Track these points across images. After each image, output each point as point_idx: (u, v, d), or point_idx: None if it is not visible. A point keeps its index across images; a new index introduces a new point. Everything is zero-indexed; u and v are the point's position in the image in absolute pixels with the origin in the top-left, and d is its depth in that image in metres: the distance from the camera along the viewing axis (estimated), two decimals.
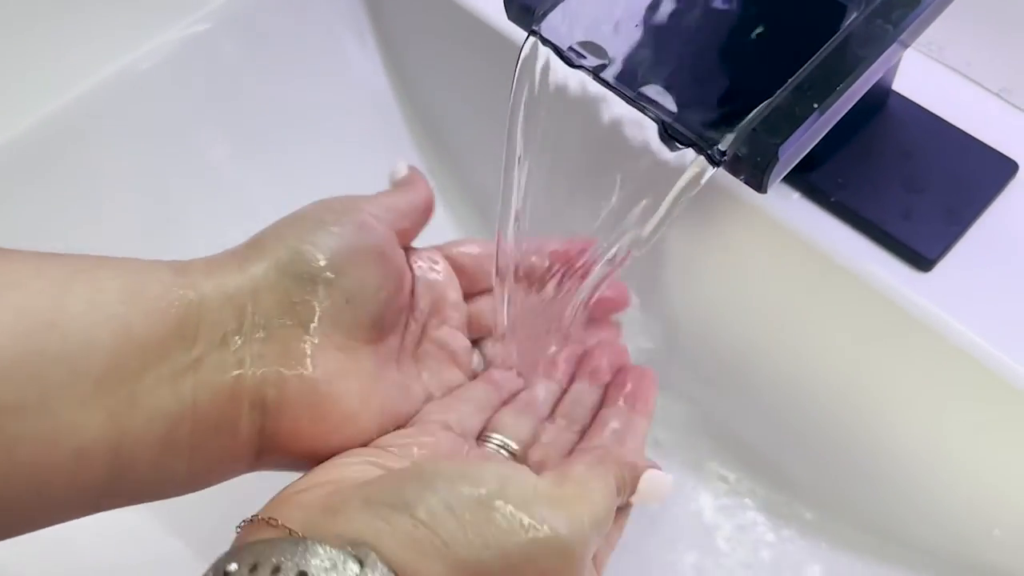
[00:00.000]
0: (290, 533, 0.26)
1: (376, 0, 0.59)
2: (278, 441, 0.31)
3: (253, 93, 0.57)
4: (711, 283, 0.49)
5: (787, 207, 0.42)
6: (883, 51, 0.28)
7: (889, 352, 0.42)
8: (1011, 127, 0.44)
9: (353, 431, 0.32)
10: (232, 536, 0.29)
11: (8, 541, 0.39)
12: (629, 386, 0.40)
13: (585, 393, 0.41)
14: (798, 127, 0.27)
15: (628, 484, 0.32)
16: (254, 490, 0.32)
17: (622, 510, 0.34)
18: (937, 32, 0.46)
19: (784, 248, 0.43)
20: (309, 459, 0.31)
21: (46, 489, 0.26)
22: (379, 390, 0.33)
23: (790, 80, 0.28)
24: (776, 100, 0.27)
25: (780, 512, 0.50)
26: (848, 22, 0.28)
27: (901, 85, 0.44)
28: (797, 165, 0.38)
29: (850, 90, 0.28)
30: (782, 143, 0.27)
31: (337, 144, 0.60)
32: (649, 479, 0.32)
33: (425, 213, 0.40)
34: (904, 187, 0.41)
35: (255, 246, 0.33)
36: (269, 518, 0.27)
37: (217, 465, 0.30)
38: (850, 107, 0.30)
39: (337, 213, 0.34)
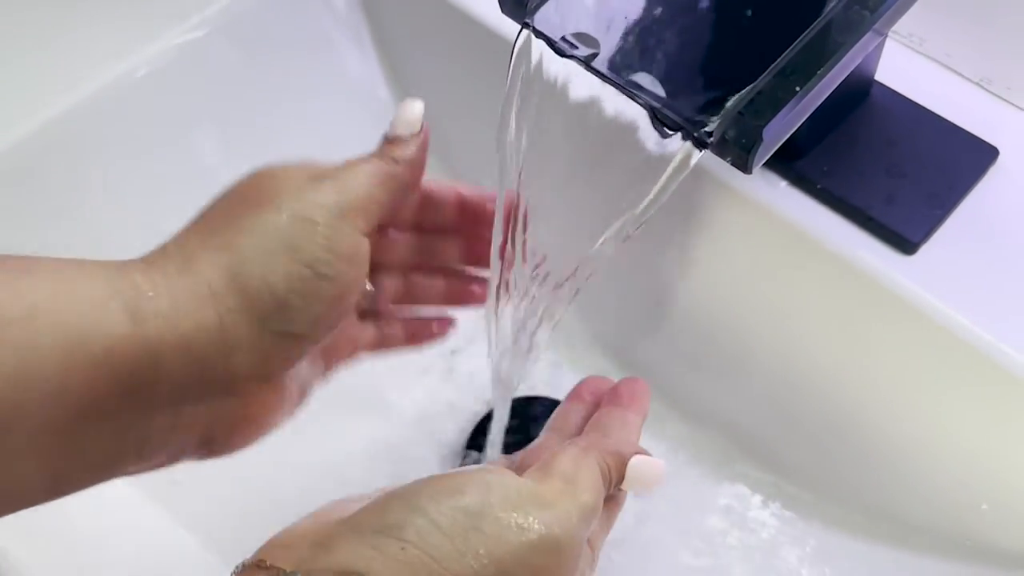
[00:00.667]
0: (283, 572, 0.26)
1: (373, 4, 0.61)
2: (213, 452, 0.31)
3: (250, 97, 0.58)
4: (703, 269, 0.50)
5: (775, 195, 0.44)
6: (861, 36, 0.29)
7: (876, 333, 0.43)
8: (991, 115, 0.46)
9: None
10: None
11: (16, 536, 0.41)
12: (621, 392, 0.38)
13: (574, 411, 0.40)
14: (781, 109, 0.28)
15: (615, 472, 0.31)
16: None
17: (613, 498, 0.33)
18: (918, 24, 0.47)
19: (773, 234, 0.44)
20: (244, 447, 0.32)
21: None
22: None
23: (773, 65, 0.29)
24: (760, 84, 0.29)
25: (774, 493, 0.51)
26: (828, 8, 0.30)
27: (884, 76, 0.46)
28: (784, 154, 0.40)
29: (830, 74, 0.29)
30: (766, 125, 0.28)
31: (335, 146, 0.61)
32: (637, 465, 0.31)
33: (409, 189, 0.34)
34: (888, 174, 0.43)
35: (229, 278, 0.28)
36: (259, 561, 0.27)
37: (150, 471, 0.30)
38: (831, 91, 0.31)
39: (303, 245, 0.29)
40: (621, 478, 0.31)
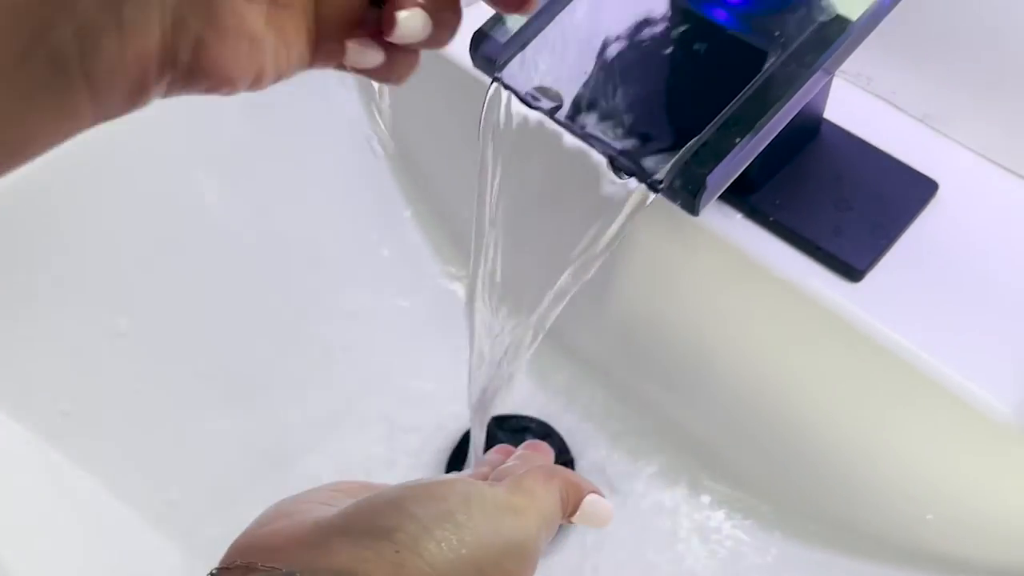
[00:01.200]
0: (281, 573, 0.27)
1: None
2: (193, 81, 0.25)
3: (238, 132, 0.60)
4: (668, 293, 0.53)
5: (731, 226, 0.47)
6: (797, 91, 0.32)
7: (826, 355, 0.46)
8: (932, 150, 0.49)
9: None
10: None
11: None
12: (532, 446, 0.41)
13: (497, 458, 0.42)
14: (723, 159, 0.31)
15: (571, 501, 0.34)
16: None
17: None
18: (865, 64, 0.51)
19: (730, 263, 0.47)
20: (229, 86, 0.26)
21: None
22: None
23: (717, 118, 0.32)
24: (705, 136, 0.32)
25: (738, 506, 0.54)
26: (768, 65, 0.33)
27: (834, 113, 0.49)
28: (740, 188, 0.43)
29: (768, 125, 0.32)
30: (709, 173, 0.31)
31: (317, 174, 0.64)
32: (592, 502, 0.34)
33: None
34: (836, 206, 0.46)
35: None
36: (248, 563, 0.28)
37: (127, 111, 0.24)
38: (775, 135, 0.34)
39: None
40: (575, 509, 0.34)
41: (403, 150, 0.64)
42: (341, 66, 0.28)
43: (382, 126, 0.47)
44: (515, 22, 0.36)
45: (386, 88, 0.48)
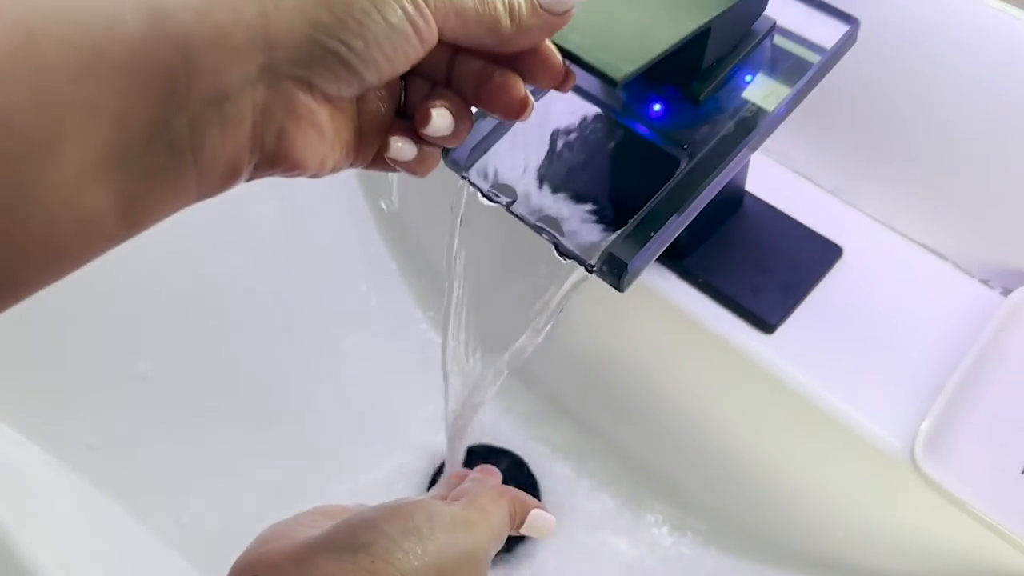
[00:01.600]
0: None
1: None
2: (275, 164, 0.29)
3: (252, 202, 0.67)
4: (619, 341, 0.62)
5: (668, 286, 0.55)
6: (701, 193, 0.40)
7: (747, 395, 0.55)
8: (839, 219, 0.57)
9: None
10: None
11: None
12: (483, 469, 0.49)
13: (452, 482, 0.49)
14: (640, 249, 0.39)
15: (518, 515, 0.41)
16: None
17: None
18: (784, 143, 0.59)
19: (668, 317, 0.55)
20: (301, 170, 0.30)
21: (57, 255, 0.25)
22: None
23: (637, 215, 0.40)
24: (628, 229, 0.40)
25: (680, 524, 0.62)
26: (679, 171, 0.41)
27: (755, 186, 0.57)
28: (674, 254, 0.51)
29: (679, 220, 0.40)
30: (630, 261, 0.39)
31: (320, 242, 0.72)
32: (535, 516, 0.41)
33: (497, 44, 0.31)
34: (754, 269, 0.54)
35: None
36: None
37: (224, 189, 0.29)
38: (690, 220, 0.42)
39: None
40: (522, 522, 0.41)
41: (390, 215, 0.73)
42: (372, 165, 0.34)
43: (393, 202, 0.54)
44: (478, 133, 0.44)
45: (395, 184, 0.55)
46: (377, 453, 0.68)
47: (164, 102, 0.25)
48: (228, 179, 0.28)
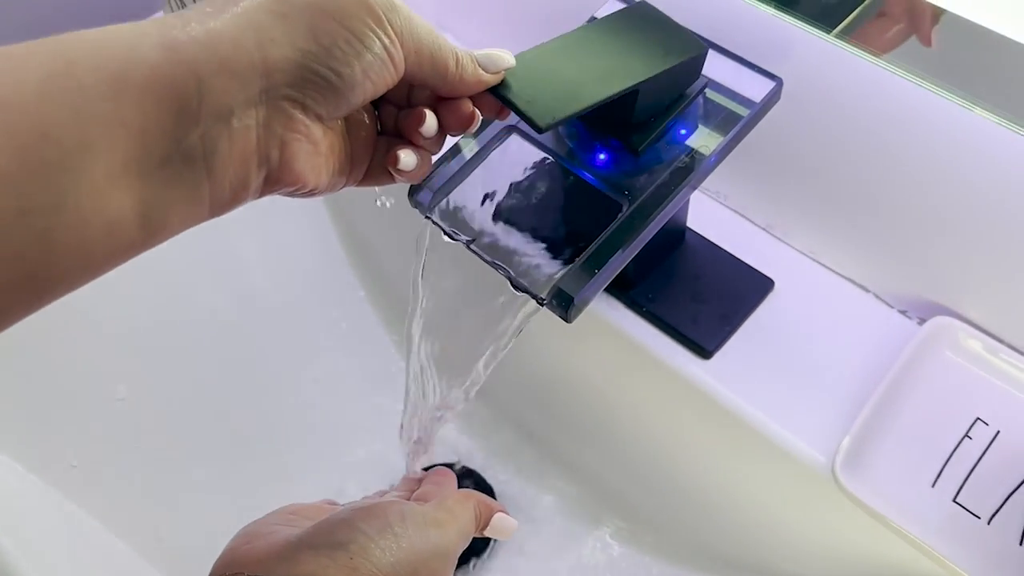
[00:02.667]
0: None
1: None
2: (279, 179, 0.33)
3: (226, 235, 0.71)
4: (576, 364, 0.66)
5: (616, 315, 0.60)
6: (640, 234, 0.45)
7: (688, 416, 0.59)
8: (771, 253, 0.62)
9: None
10: None
11: None
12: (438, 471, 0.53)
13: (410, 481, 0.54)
14: (585, 284, 0.44)
15: (483, 517, 0.45)
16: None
17: None
18: (721, 184, 0.64)
19: (617, 343, 0.60)
20: (303, 184, 0.34)
21: (86, 258, 0.28)
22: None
23: (583, 254, 0.45)
24: (574, 267, 0.45)
25: (628, 536, 0.66)
26: (620, 215, 0.46)
27: (695, 223, 0.62)
28: (622, 285, 0.56)
29: (621, 258, 0.45)
30: (576, 295, 0.44)
31: (292, 271, 0.75)
32: (499, 519, 0.45)
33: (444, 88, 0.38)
34: (693, 300, 0.59)
35: (277, 16, 0.31)
36: (235, 573, 0.36)
37: (235, 204, 0.33)
38: (627, 263, 0.47)
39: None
40: (487, 524, 0.45)
41: (358, 246, 0.77)
42: (364, 182, 0.40)
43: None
44: (441, 177, 0.48)
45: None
46: (344, 469, 0.72)
47: (179, 118, 0.29)
48: (238, 192, 0.32)
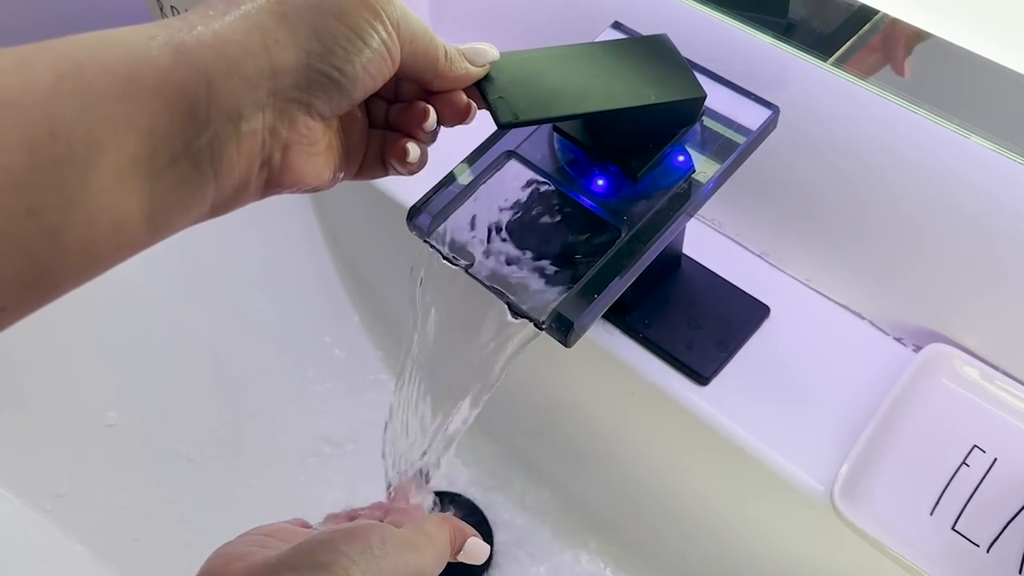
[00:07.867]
0: None
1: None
2: (280, 180, 0.34)
3: (216, 256, 0.71)
4: (569, 389, 0.66)
5: (611, 341, 0.59)
6: (639, 259, 0.45)
7: (683, 442, 0.59)
8: (766, 280, 0.62)
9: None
10: None
11: None
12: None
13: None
14: (585, 309, 0.44)
15: (457, 541, 0.45)
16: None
17: None
18: (717, 211, 0.65)
19: (612, 369, 0.60)
20: (303, 184, 0.35)
21: (93, 256, 0.29)
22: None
23: (581, 279, 0.45)
24: (573, 292, 0.44)
25: (612, 560, 0.66)
26: (619, 240, 0.46)
27: (691, 250, 0.62)
28: (618, 311, 0.56)
29: (620, 283, 0.45)
30: (575, 320, 0.43)
31: (285, 295, 0.75)
32: (471, 544, 0.46)
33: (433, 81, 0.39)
34: (689, 326, 0.59)
35: (279, 17, 0.32)
36: None
37: (234, 205, 0.33)
38: (625, 288, 0.47)
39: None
40: (460, 547, 0.45)
41: (353, 271, 0.77)
42: (359, 175, 0.40)
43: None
44: (440, 201, 0.48)
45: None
46: (337, 493, 0.71)
47: (188, 120, 0.29)
48: (239, 193, 0.33)
